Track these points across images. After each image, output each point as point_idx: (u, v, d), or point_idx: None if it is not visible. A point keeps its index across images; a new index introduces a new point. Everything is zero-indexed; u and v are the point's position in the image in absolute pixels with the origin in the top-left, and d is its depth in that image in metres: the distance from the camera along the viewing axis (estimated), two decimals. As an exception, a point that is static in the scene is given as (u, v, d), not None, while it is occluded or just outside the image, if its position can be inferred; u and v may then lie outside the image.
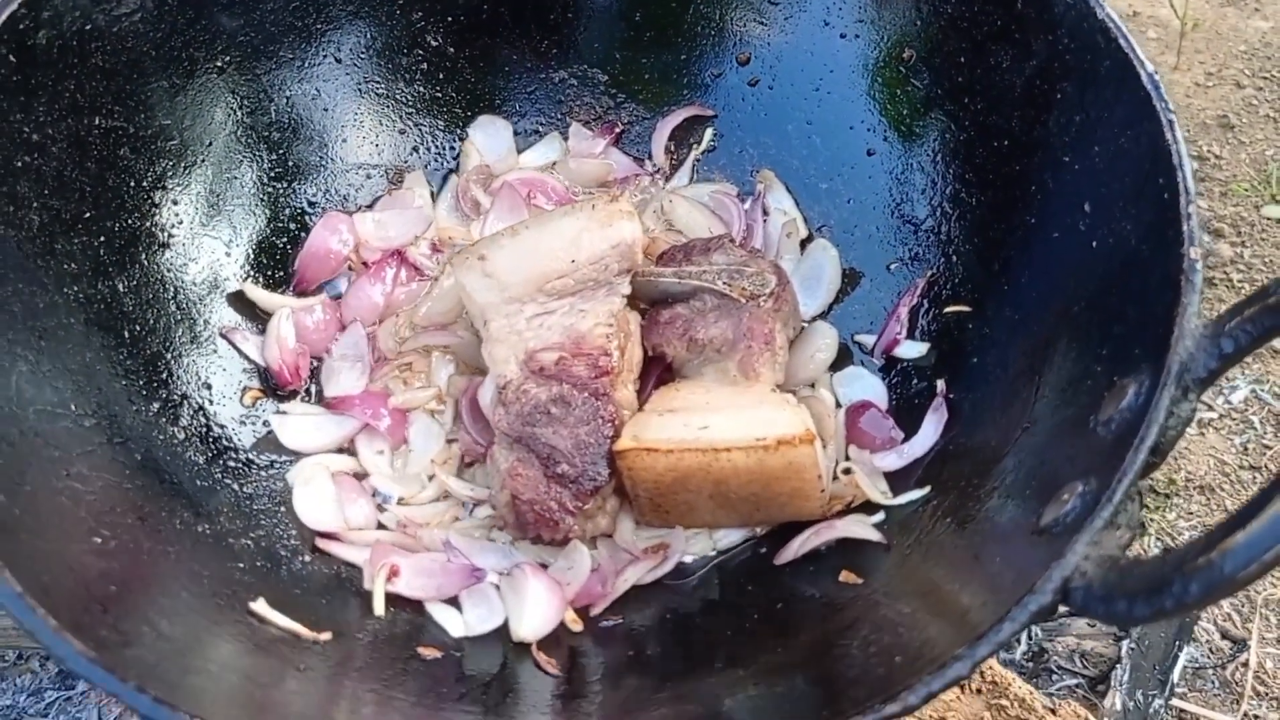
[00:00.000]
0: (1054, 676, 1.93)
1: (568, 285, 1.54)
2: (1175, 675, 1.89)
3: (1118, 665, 1.88)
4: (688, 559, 1.53)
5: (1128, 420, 1.14)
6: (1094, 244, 1.37)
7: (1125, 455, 1.09)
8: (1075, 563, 1.04)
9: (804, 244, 1.77)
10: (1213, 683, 1.97)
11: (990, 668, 1.71)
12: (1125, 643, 1.89)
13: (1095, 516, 1.06)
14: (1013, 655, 1.93)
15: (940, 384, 1.56)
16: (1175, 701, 1.91)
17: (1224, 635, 2.03)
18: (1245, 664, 1.99)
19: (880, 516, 1.46)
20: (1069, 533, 1.08)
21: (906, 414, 1.58)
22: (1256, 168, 2.75)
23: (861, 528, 1.44)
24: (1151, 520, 2.16)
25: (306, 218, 1.77)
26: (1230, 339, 1.12)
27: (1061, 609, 1.05)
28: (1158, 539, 2.17)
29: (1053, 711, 1.70)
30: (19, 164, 1.40)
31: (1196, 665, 2.00)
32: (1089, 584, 1.03)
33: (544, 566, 1.50)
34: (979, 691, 1.72)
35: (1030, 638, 1.94)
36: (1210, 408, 2.34)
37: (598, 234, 1.54)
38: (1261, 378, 2.38)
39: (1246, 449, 2.29)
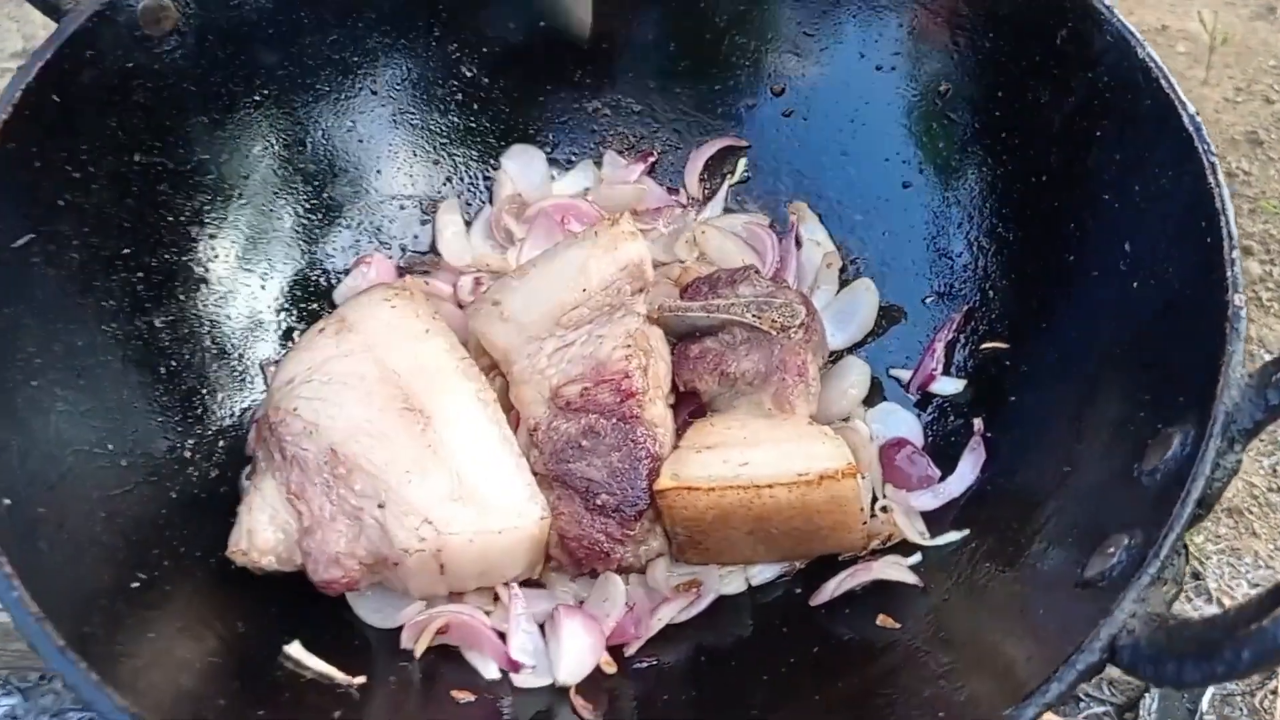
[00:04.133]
0: (1081, 704, 1.92)
1: (583, 315, 1.54)
2: (1204, 703, 1.88)
3: (1146, 693, 1.87)
4: (721, 596, 1.52)
5: (1173, 471, 1.13)
6: (1135, 285, 1.36)
7: (1172, 509, 1.08)
8: (1123, 620, 1.04)
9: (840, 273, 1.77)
10: (1241, 710, 1.95)
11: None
12: (1156, 672, 1.87)
13: (1142, 573, 1.06)
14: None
15: (977, 422, 1.55)
16: (1204, 730, 1.90)
17: (1256, 663, 2.00)
18: (1275, 691, 1.96)
19: (917, 558, 1.45)
20: (1115, 588, 1.07)
21: (943, 452, 1.57)
22: (1286, 184, 2.71)
23: (898, 570, 1.43)
24: (1180, 544, 2.14)
25: (342, 251, 1.77)
26: (1277, 390, 1.11)
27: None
28: (1185, 562, 2.15)
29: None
30: (62, 202, 1.41)
31: (1225, 692, 1.98)
32: (1136, 642, 1.02)
33: (580, 602, 1.50)
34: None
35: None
36: (1241, 430, 2.31)
37: (604, 259, 1.54)
38: (1294, 400, 2.34)
39: (1276, 471, 2.25)
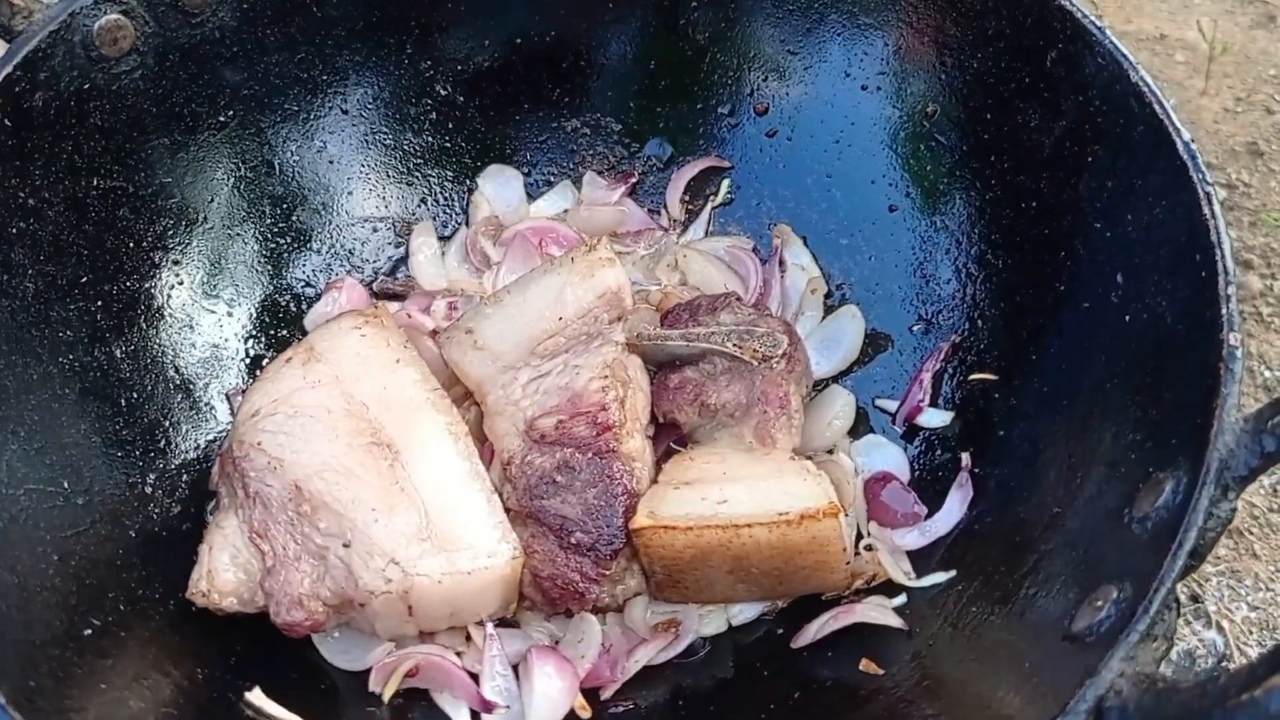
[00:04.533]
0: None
1: (559, 344, 1.50)
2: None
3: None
4: (701, 636, 1.48)
5: (1165, 520, 1.09)
6: (1127, 318, 1.32)
7: (1163, 561, 1.04)
8: (1110, 680, 0.99)
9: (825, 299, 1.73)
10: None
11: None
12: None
13: (1131, 629, 1.02)
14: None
15: (965, 457, 1.51)
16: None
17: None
18: None
19: (902, 599, 1.42)
20: (1103, 645, 1.03)
21: (929, 488, 1.53)
22: (1287, 196, 2.68)
23: (882, 613, 1.39)
24: (1178, 570, 2.09)
25: (312, 275, 1.73)
26: (1273, 436, 1.07)
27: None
28: (1184, 586, 2.11)
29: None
30: (14, 230, 1.37)
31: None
32: (1124, 705, 0.98)
33: (555, 643, 1.45)
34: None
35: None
36: (1239, 452, 2.27)
37: (581, 287, 1.50)
38: (1292, 421, 2.30)
39: (1276, 492, 2.22)
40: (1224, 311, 1.15)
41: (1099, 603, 1.09)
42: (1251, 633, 2.03)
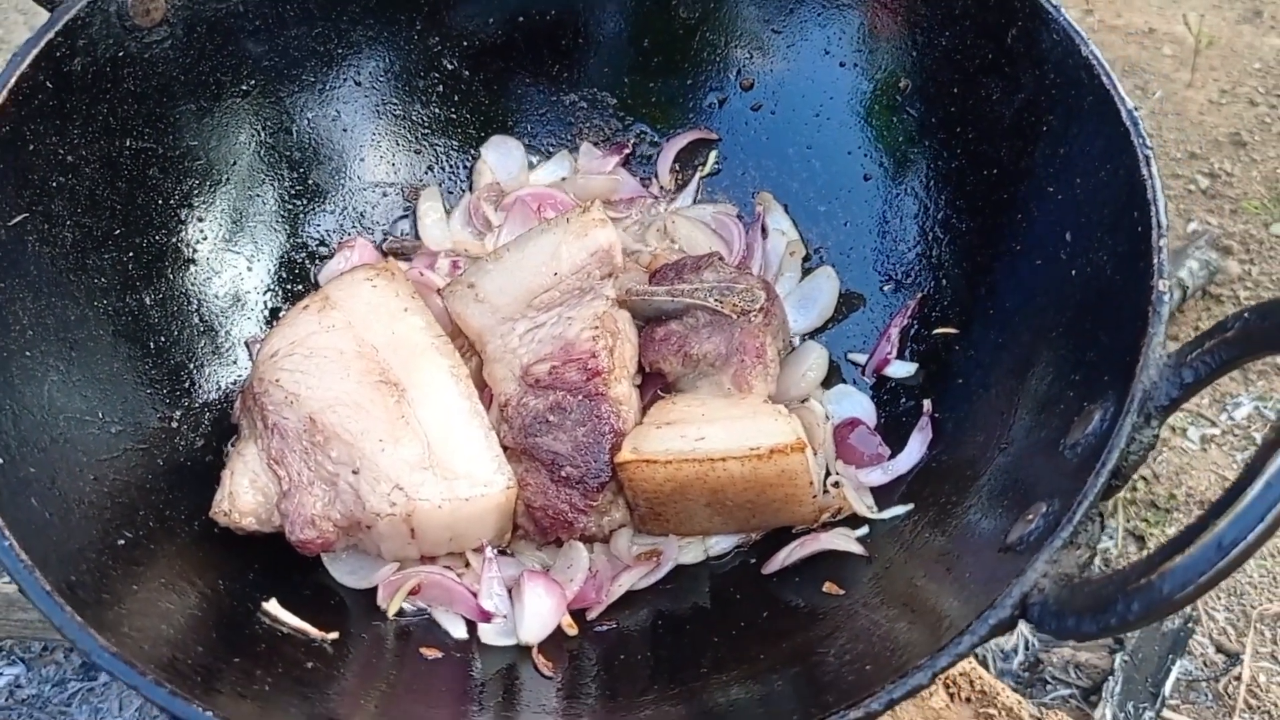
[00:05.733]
0: (1048, 686, 1.98)
1: (554, 297, 1.62)
2: (1167, 688, 1.93)
3: (1110, 677, 1.93)
4: (680, 564, 1.59)
5: (1092, 445, 1.20)
6: (1073, 272, 1.42)
7: (1086, 479, 1.15)
8: (1034, 580, 1.11)
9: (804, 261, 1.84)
10: (1205, 695, 2.00)
11: (980, 677, 1.76)
12: (1119, 655, 1.94)
13: (1055, 536, 1.13)
14: (1009, 665, 1.99)
15: (927, 404, 1.62)
16: (1166, 714, 1.94)
17: (1218, 649, 2.06)
18: (1238, 677, 2.01)
19: (864, 530, 1.53)
20: (1031, 551, 1.14)
21: (894, 431, 1.64)
22: (1268, 185, 2.76)
23: (845, 541, 1.50)
24: (1151, 535, 2.19)
25: (326, 235, 1.85)
26: (1191, 369, 1.17)
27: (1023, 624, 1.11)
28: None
29: (1040, 721, 1.75)
30: (54, 184, 1.48)
31: (1190, 678, 2.03)
32: (1045, 600, 1.09)
33: (546, 569, 1.57)
34: (968, 700, 1.76)
35: (1027, 648, 1.99)
36: (1213, 423, 2.36)
37: (575, 245, 1.62)
38: (1265, 394, 2.40)
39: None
40: (1155, 261, 1.24)
41: (1030, 517, 1.20)
42: (1220, 598, 2.12)
